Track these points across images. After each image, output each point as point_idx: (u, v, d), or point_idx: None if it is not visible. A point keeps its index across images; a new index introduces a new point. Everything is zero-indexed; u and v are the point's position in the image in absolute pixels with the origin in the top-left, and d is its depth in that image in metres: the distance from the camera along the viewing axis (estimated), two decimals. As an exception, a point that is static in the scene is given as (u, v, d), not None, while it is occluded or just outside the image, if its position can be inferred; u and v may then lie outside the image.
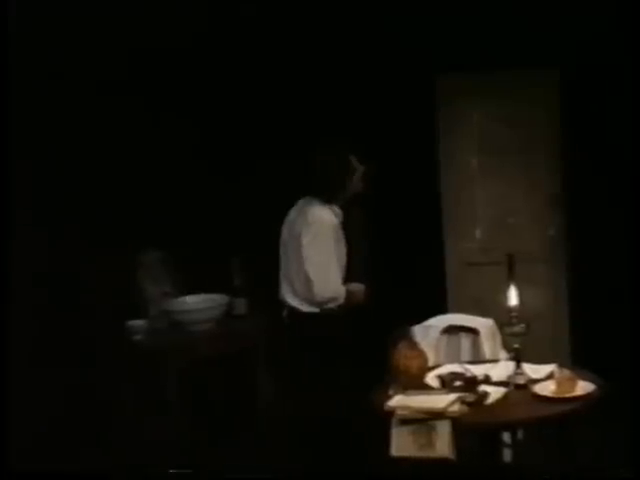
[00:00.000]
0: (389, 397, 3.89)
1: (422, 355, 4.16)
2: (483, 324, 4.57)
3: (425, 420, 3.72)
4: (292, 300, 4.72)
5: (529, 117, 6.47)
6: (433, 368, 4.24)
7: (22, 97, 5.05)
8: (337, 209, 4.70)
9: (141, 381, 5.35)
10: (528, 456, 4.59)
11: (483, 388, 3.92)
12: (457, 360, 4.42)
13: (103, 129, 5.84)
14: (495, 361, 4.33)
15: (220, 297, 5.61)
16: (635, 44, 5.47)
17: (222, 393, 5.79)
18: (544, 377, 4.02)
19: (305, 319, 4.68)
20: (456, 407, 3.74)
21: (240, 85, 6.25)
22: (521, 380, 3.98)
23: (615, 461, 4.81)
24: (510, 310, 4.04)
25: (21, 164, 4.98)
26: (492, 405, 3.84)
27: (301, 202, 4.78)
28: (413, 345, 4.19)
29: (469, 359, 4.47)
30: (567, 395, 3.82)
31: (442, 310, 5.54)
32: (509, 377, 4.00)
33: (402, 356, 4.07)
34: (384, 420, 3.81)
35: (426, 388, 3.99)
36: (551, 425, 4.14)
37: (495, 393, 3.89)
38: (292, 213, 4.80)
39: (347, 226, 4.77)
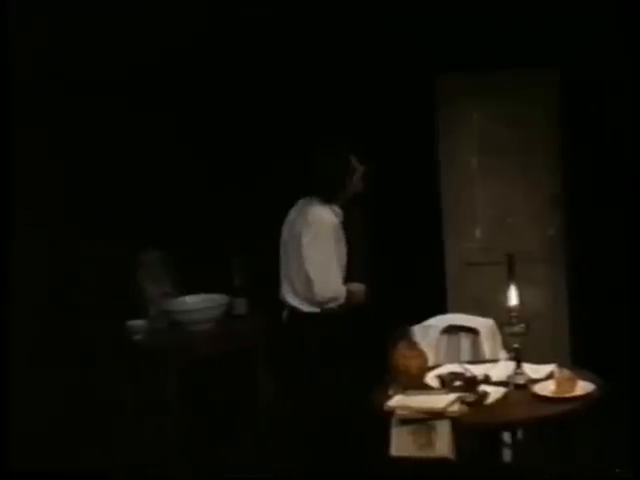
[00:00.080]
0: (389, 397, 3.89)
1: (422, 355, 4.16)
2: (483, 324, 4.58)
3: (425, 420, 3.72)
4: (292, 300, 4.72)
5: (529, 117, 6.47)
6: (433, 368, 4.24)
7: (22, 97, 5.05)
8: (337, 209, 4.70)
9: (141, 381, 5.35)
10: (528, 456, 4.59)
11: (483, 388, 3.92)
12: (457, 360, 4.42)
13: (103, 129, 5.84)
14: (495, 361, 4.33)
15: (220, 297, 5.61)
16: (635, 44, 5.47)
17: (222, 393, 5.79)
18: (544, 377, 4.02)
19: (305, 319, 4.67)
20: (456, 407, 3.74)
21: (241, 85, 6.25)
22: (521, 380, 3.98)
23: (615, 461, 4.80)
24: (510, 310, 4.04)
25: (21, 164, 4.98)
26: (492, 405, 3.84)
27: (301, 202, 4.78)
28: (413, 345, 4.19)
29: (469, 359, 4.47)
30: (567, 395, 3.82)
31: (442, 310, 5.54)
32: (509, 377, 4.01)
33: (402, 356, 4.07)
34: (384, 420, 3.81)
35: (426, 388, 3.99)
36: (551, 425, 4.14)
37: (495, 393, 3.89)
38: (292, 213, 4.80)
39: (347, 226, 4.77)
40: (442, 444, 3.69)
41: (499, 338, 4.50)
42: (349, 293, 4.70)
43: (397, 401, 3.83)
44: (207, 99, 6.24)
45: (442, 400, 3.76)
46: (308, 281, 4.62)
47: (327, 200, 4.68)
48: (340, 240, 4.69)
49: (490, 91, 6.50)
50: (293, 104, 6.21)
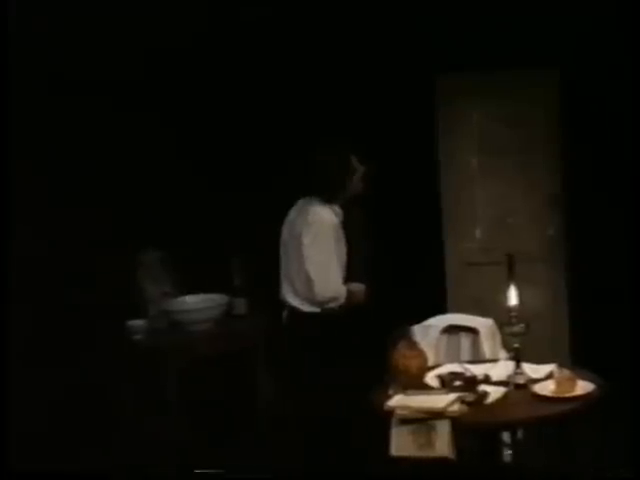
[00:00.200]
0: (389, 397, 3.89)
1: (422, 355, 4.16)
2: (483, 324, 4.57)
3: (425, 420, 3.71)
4: (293, 300, 4.71)
5: (529, 117, 6.47)
6: (433, 368, 4.24)
7: (22, 97, 5.05)
8: (337, 208, 4.70)
9: (141, 381, 5.35)
10: (528, 456, 4.59)
11: (483, 388, 3.92)
12: (457, 360, 4.42)
13: (103, 129, 5.84)
14: (495, 361, 4.33)
15: (220, 297, 5.61)
16: (635, 44, 5.48)
17: (222, 393, 5.78)
18: (544, 377, 4.02)
19: (305, 319, 4.67)
20: (456, 407, 3.74)
21: (240, 85, 6.25)
22: (521, 380, 3.98)
23: (615, 461, 4.80)
24: (510, 310, 4.04)
25: (21, 164, 4.98)
26: (492, 405, 3.84)
27: (301, 202, 4.77)
28: (413, 345, 4.19)
29: (469, 359, 4.47)
30: (567, 395, 3.82)
31: (442, 310, 5.55)
32: (509, 377, 4.00)
33: (402, 356, 4.07)
34: (384, 420, 3.80)
35: (426, 388, 3.99)
36: (551, 425, 4.14)
37: (495, 393, 3.89)
38: (292, 213, 4.80)
39: (347, 226, 4.77)
40: (442, 444, 3.69)
41: (499, 338, 4.50)
42: (349, 293, 4.70)
43: (397, 401, 3.83)
44: (207, 99, 6.24)
45: (442, 400, 3.76)
46: (308, 281, 4.62)
47: (327, 200, 4.68)
48: (340, 240, 4.69)
49: (490, 91, 6.50)
50: (293, 104, 6.21)
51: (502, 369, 4.12)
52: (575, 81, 6.21)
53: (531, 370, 4.06)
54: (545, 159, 6.52)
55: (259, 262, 5.34)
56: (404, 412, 3.75)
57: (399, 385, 3.98)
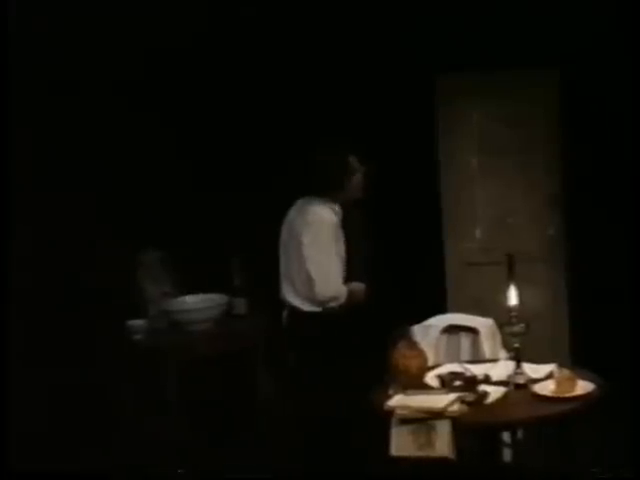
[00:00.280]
0: (389, 397, 3.89)
1: (422, 355, 4.16)
2: (483, 324, 4.57)
3: (425, 420, 3.71)
4: (293, 299, 4.71)
5: (529, 117, 6.48)
6: (433, 368, 4.24)
7: (22, 97, 5.05)
8: (337, 208, 4.69)
9: (141, 381, 5.35)
10: (528, 456, 4.59)
11: (483, 388, 3.92)
12: (457, 360, 4.42)
13: (103, 129, 5.85)
14: (495, 361, 4.33)
15: (219, 297, 5.62)
16: (635, 44, 5.48)
17: (222, 393, 5.78)
18: (544, 377, 4.01)
19: (305, 318, 4.67)
20: (456, 407, 3.74)
21: (240, 85, 6.25)
22: (521, 380, 3.98)
23: (615, 461, 4.80)
24: (510, 310, 4.04)
25: (21, 164, 4.98)
26: (492, 405, 3.84)
27: (300, 201, 4.77)
28: (413, 345, 4.19)
29: (469, 359, 4.47)
30: (567, 395, 3.82)
31: (442, 310, 5.54)
32: (509, 377, 4.00)
33: (402, 356, 4.07)
34: (384, 420, 3.80)
35: (426, 388, 3.99)
36: (551, 425, 4.14)
37: (495, 393, 3.89)
38: (291, 213, 4.79)
39: (347, 225, 4.76)
40: (442, 444, 3.69)
41: (499, 338, 4.50)
42: (349, 292, 4.69)
43: (397, 401, 3.83)
44: (207, 100, 6.24)
45: (442, 400, 3.76)
46: (309, 280, 4.62)
47: (326, 200, 4.68)
48: (340, 239, 4.68)
49: (490, 91, 6.50)
50: (294, 104, 6.21)
51: (502, 369, 4.12)
52: (575, 81, 6.21)
53: (531, 370, 4.06)
54: (545, 159, 6.52)
55: (259, 262, 5.34)
56: (404, 412, 3.75)
57: (399, 385, 3.98)
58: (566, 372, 3.91)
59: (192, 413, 5.42)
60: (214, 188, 6.19)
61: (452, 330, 4.61)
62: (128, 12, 5.68)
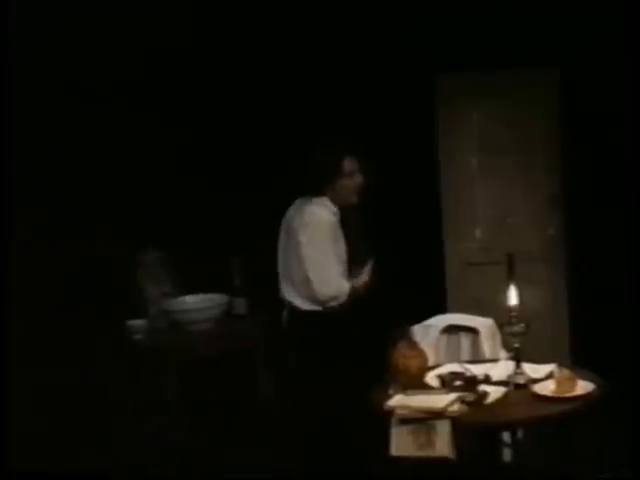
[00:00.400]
0: (389, 397, 3.89)
1: (422, 355, 4.15)
2: (483, 324, 4.57)
3: (425, 420, 3.71)
4: (293, 299, 4.70)
5: (529, 117, 6.48)
6: (433, 368, 4.23)
7: (22, 98, 5.05)
8: (335, 208, 4.68)
9: (141, 381, 5.35)
10: (528, 456, 4.59)
11: (483, 388, 3.91)
12: (457, 360, 4.42)
13: (103, 129, 5.85)
14: (495, 361, 4.33)
15: (219, 297, 5.61)
16: (635, 44, 5.48)
17: (222, 393, 5.78)
18: (544, 377, 4.01)
19: (305, 318, 4.67)
20: (456, 407, 3.74)
21: (240, 85, 6.25)
22: (521, 380, 3.97)
23: (615, 461, 4.80)
24: (510, 310, 4.04)
25: (21, 164, 4.98)
26: (492, 405, 3.83)
27: (299, 201, 4.75)
28: (413, 345, 4.19)
29: (469, 359, 4.47)
30: (567, 395, 3.82)
31: (442, 310, 5.54)
32: (509, 377, 4.00)
33: (402, 356, 4.07)
34: (384, 420, 3.80)
35: (426, 388, 3.99)
36: (551, 425, 4.14)
37: (495, 393, 3.89)
38: (290, 212, 4.78)
39: (346, 225, 4.76)
40: (442, 444, 3.69)
41: (499, 338, 4.49)
42: (352, 289, 4.67)
43: (397, 401, 3.83)
44: (208, 100, 6.24)
45: (442, 400, 3.76)
46: (307, 280, 4.61)
47: (324, 200, 4.67)
48: (338, 239, 4.67)
49: (490, 91, 6.50)
50: (293, 104, 6.21)
51: (502, 369, 4.12)
52: (575, 81, 6.21)
53: (531, 370, 4.06)
54: (545, 159, 6.53)
55: (259, 262, 5.33)
56: (404, 412, 3.75)
57: (399, 385, 3.98)
58: (566, 372, 3.91)
59: (192, 413, 5.42)
60: (214, 188, 6.19)
61: (452, 330, 4.61)
62: (127, 12, 5.68)
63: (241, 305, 5.71)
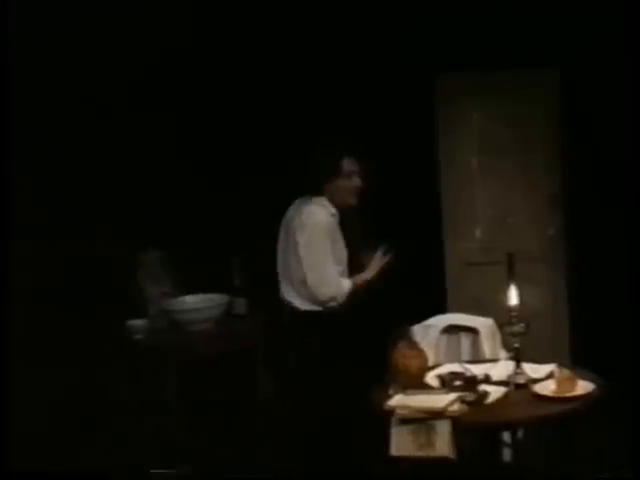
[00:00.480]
0: (389, 397, 3.89)
1: (422, 354, 4.16)
2: (483, 324, 4.57)
3: (425, 419, 3.71)
4: (293, 299, 4.70)
5: (529, 117, 6.48)
6: (433, 368, 4.24)
7: (22, 98, 5.05)
8: (333, 209, 4.68)
9: (141, 381, 5.35)
10: (528, 456, 4.59)
11: (483, 387, 3.91)
12: (457, 359, 4.42)
13: (103, 129, 5.84)
14: (495, 360, 4.33)
15: (220, 297, 5.61)
16: (635, 44, 5.48)
17: (222, 393, 5.78)
18: (544, 377, 4.01)
19: (305, 318, 4.67)
20: (456, 406, 3.74)
21: (241, 85, 6.25)
22: (521, 379, 3.97)
23: (615, 461, 4.80)
24: (510, 310, 4.04)
25: (21, 164, 4.98)
26: (492, 404, 3.84)
27: (298, 201, 4.75)
28: (413, 344, 4.19)
29: (469, 358, 4.47)
30: (567, 394, 3.82)
31: (442, 310, 5.54)
32: (509, 376, 4.00)
33: (402, 355, 4.07)
34: (384, 420, 3.80)
35: (426, 387, 3.99)
36: (551, 425, 4.14)
37: (495, 392, 3.89)
38: (289, 212, 4.78)
39: (345, 227, 4.75)
40: (442, 444, 3.69)
41: (499, 338, 4.50)
42: (354, 286, 4.66)
43: (397, 401, 3.83)
44: (207, 99, 6.24)
45: (442, 400, 3.76)
46: (306, 281, 4.62)
47: (322, 200, 4.66)
48: (337, 240, 4.67)
49: (490, 91, 6.50)
50: (294, 104, 6.21)
51: (502, 369, 4.12)
52: (575, 81, 6.21)
53: (531, 370, 4.06)
54: (545, 159, 6.53)
55: (259, 262, 5.33)
56: (404, 412, 3.75)
57: (399, 385, 3.98)
58: (566, 372, 3.91)
59: (192, 413, 5.41)
60: (214, 188, 6.19)
61: (452, 330, 4.61)
62: (127, 12, 5.68)
63: (241, 305, 5.71)
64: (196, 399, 5.50)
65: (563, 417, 3.84)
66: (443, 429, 3.69)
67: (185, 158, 6.16)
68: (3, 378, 4.02)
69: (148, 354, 5.40)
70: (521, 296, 4.05)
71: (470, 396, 3.81)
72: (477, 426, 3.84)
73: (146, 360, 5.38)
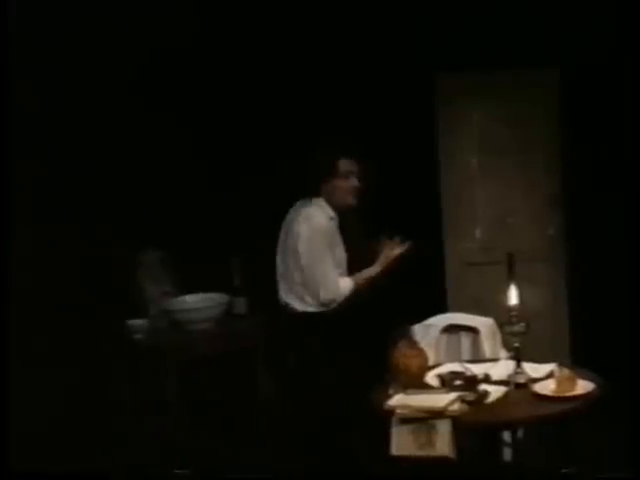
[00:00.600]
0: (389, 396, 3.89)
1: (422, 354, 4.16)
2: (483, 323, 4.57)
3: (425, 419, 3.71)
4: (292, 300, 4.71)
5: (529, 117, 6.49)
6: (433, 367, 4.24)
7: (22, 97, 5.05)
8: (332, 212, 4.67)
9: (141, 381, 5.35)
10: (528, 455, 4.59)
11: (483, 387, 3.91)
12: (457, 359, 4.42)
13: (103, 129, 5.84)
14: (495, 360, 4.33)
15: (220, 296, 5.61)
16: (635, 44, 5.48)
17: (222, 393, 5.78)
18: (544, 376, 4.02)
19: (305, 318, 4.67)
20: (456, 406, 3.74)
21: (240, 85, 6.25)
22: (521, 379, 3.97)
23: (615, 461, 4.80)
24: (510, 309, 4.04)
25: (21, 164, 4.98)
26: (492, 404, 3.84)
27: (299, 203, 4.76)
28: (413, 344, 4.19)
29: (469, 358, 4.47)
30: (567, 394, 3.82)
31: (442, 310, 5.53)
32: (509, 376, 4.00)
33: (402, 355, 4.07)
34: (384, 419, 3.80)
35: (426, 387, 3.99)
36: (551, 424, 4.14)
37: (495, 392, 3.89)
38: (290, 214, 4.79)
39: (345, 229, 4.75)
40: (442, 443, 3.69)
41: (499, 337, 4.50)
42: (355, 286, 4.66)
43: (397, 400, 3.83)
44: (207, 99, 6.24)
45: (442, 399, 3.76)
46: (305, 283, 4.62)
47: (322, 202, 4.66)
48: (336, 243, 4.67)
49: (490, 91, 6.50)
50: (294, 104, 6.21)
51: (502, 368, 4.12)
52: (575, 81, 6.21)
53: (531, 369, 4.06)
54: (545, 159, 6.53)
55: (259, 262, 5.33)
56: (404, 411, 3.75)
57: (399, 384, 3.98)
58: (566, 371, 3.91)
59: (192, 413, 5.41)
60: (214, 188, 6.19)
61: (452, 329, 4.61)
62: (127, 11, 5.68)
63: (241, 305, 5.71)
64: (196, 399, 5.49)
65: (563, 417, 3.85)
66: (443, 429, 3.69)
67: (185, 158, 6.16)
68: (3, 378, 4.02)
69: (148, 354, 5.40)
70: (521, 296, 4.05)
71: (470, 396, 3.81)
72: (477, 426, 3.84)
73: (146, 360, 5.38)
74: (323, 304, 4.62)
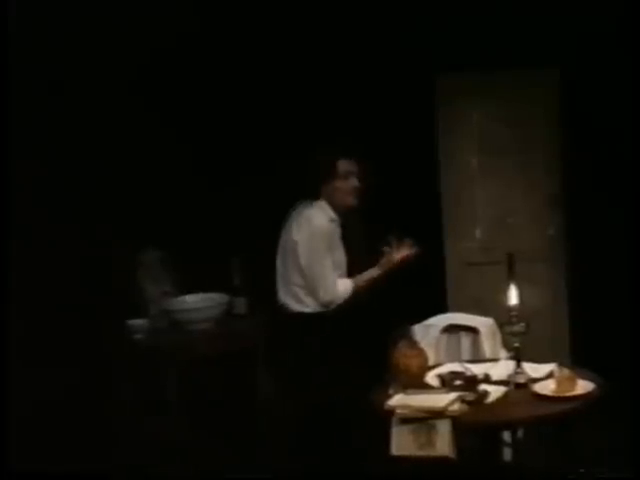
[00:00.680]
0: (389, 396, 3.89)
1: (422, 354, 4.16)
2: (483, 323, 4.57)
3: (425, 419, 3.71)
4: (291, 301, 4.71)
5: (529, 117, 6.49)
6: (433, 367, 4.24)
7: (22, 97, 5.05)
8: (333, 214, 4.67)
9: (141, 380, 5.35)
10: (528, 455, 4.59)
11: (483, 387, 3.92)
12: (457, 359, 4.42)
13: (103, 129, 5.84)
14: (495, 360, 4.33)
15: (220, 296, 5.61)
16: (635, 44, 5.48)
17: (222, 393, 5.78)
18: (544, 376, 4.02)
19: (305, 319, 4.67)
20: (456, 406, 3.74)
21: (241, 85, 6.25)
22: (521, 379, 3.98)
23: (615, 461, 4.80)
24: (510, 309, 4.04)
25: (21, 164, 4.98)
26: (492, 404, 3.84)
27: (300, 205, 4.76)
28: (413, 344, 4.19)
29: (469, 358, 4.47)
30: (567, 394, 3.82)
31: (442, 310, 5.53)
32: (509, 376, 4.00)
33: (402, 355, 4.07)
34: (384, 419, 3.80)
35: (426, 387, 3.99)
36: (551, 424, 4.14)
37: (495, 392, 3.89)
38: (292, 215, 4.79)
39: (347, 230, 4.75)
40: (442, 443, 3.69)
41: (499, 337, 4.50)
42: (355, 287, 4.66)
43: (397, 400, 3.83)
44: (207, 99, 6.24)
45: (442, 399, 3.76)
46: (304, 285, 4.63)
47: (322, 204, 4.66)
48: (336, 245, 4.67)
49: (490, 91, 6.50)
50: (294, 104, 6.21)
51: (502, 368, 4.13)
52: (575, 81, 6.21)
53: (531, 369, 4.06)
54: (545, 159, 6.53)
55: (259, 262, 5.33)
56: (404, 411, 3.75)
57: (399, 384, 3.98)
58: (566, 371, 3.91)
59: (192, 413, 5.41)
60: (214, 188, 6.19)
61: (452, 329, 4.61)
62: (126, 11, 5.68)
63: (241, 305, 5.71)
64: (196, 399, 5.49)
65: (563, 417, 3.85)
66: (443, 429, 3.69)
67: (185, 158, 6.16)
68: (3, 378, 4.02)
69: (148, 354, 5.40)
70: (521, 296, 4.05)
71: (470, 396, 3.81)
72: (477, 426, 3.84)
73: (146, 360, 5.37)
74: (322, 305, 4.62)
